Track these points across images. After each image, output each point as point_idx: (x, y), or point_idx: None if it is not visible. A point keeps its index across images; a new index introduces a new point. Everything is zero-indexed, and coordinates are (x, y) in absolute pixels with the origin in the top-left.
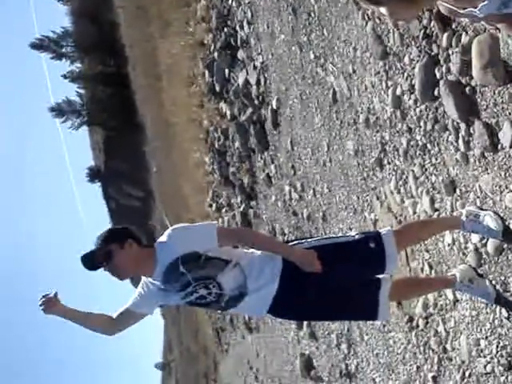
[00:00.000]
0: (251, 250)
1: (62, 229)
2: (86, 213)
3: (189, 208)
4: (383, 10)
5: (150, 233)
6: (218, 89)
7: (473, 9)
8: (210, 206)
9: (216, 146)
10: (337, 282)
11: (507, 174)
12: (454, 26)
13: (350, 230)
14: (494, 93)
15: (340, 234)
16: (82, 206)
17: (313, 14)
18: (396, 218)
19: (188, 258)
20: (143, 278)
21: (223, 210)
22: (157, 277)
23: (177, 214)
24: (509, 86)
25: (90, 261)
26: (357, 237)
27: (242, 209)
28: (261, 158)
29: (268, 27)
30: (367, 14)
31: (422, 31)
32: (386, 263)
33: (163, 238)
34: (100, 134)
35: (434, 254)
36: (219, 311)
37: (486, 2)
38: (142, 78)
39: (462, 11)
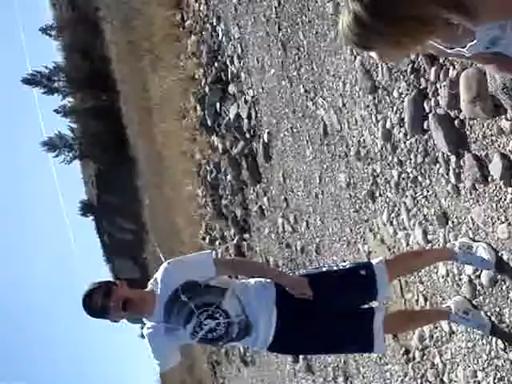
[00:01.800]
0: (245, 280)
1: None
2: (79, 247)
3: (182, 241)
4: (372, 53)
5: (143, 266)
6: (209, 122)
7: (461, 48)
8: (204, 238)
9: (208, 179)
10: (330, 310)
11: (498, 206)
12: (441, 61)
13: (344, 262)
14: (483, 126)
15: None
16: (74, 240)
17: (302, 49)
18: (389, 249)
19: (188, 287)
20: (146, 330)
21: (216, 243)
22: (158, 315)
23: (170, 247)
24: (497, 118)
25: (91, 302)
26: (348, 266)
27: (235, 241)
28: (253, 190)
29: (258, 62)
30: (356, 50)
31: (410, 66)
32: (377, 290)
33: (159, 273)
34: (92, 167)
35: (429, 286)
36: (231, 344)
37: (474, 42)
38: (134, 111)
39: (449, 51)
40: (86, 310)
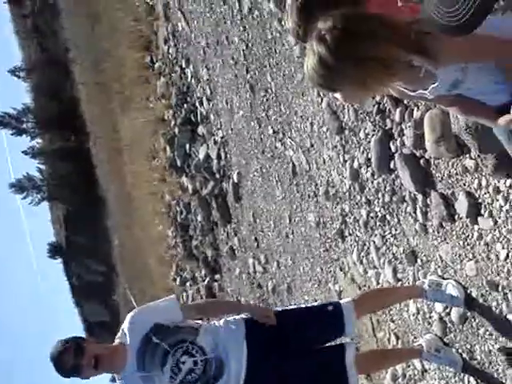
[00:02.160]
0: (214, 320)
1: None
2: (47, 289)
3: (152, 282)
4: (337, 95)
5: (113, 309)
6: (179, 163)
7: (423, 91)
8: (174, 279)
9: (178, 219)
10: (300, 347)
11: (466, 243)
12: (405, 102)
13: (315, 301)
14: (448, 165)
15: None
16: (42, 283)
17: (270, 91)
18: (360, 288)
19: (158, 329)
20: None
21: (187, 284)
22: (131, 366)
23: (140, 289)
24: (461, 158)
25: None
26: (316, 303)
27: (206, 282)
28: (224, 230)
29: (227, 103)
30: (321, 92)
31: (376, 107)
32: (345, 326)
33: (126, 323)
34: (61, 209)
35: (400, 324)
36: None
37: (436, 84)
38: (104, 152)
39: (412, 93)
40: (58, 370)
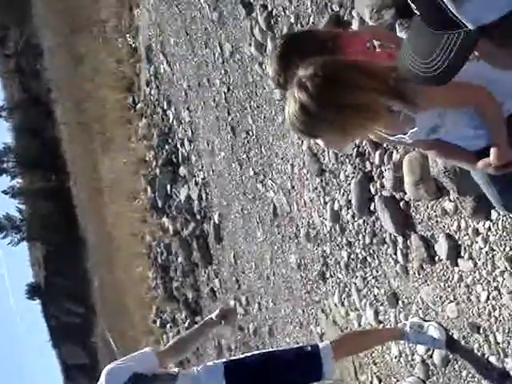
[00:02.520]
0: (193, 367)
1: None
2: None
3: (132, 324)
4: (319, 141)
5: (92, 351)
6: (160, 204)
7: (402, 135)
8: (154, 321)
9: (159, 260)
10: None
11: (446, 285)
12: (385, 145)
13: (297, 344)
14: (428, 207)
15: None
16: (21, 324)
17: (251, 133)
18: (342, 330)
19: (136, 378)
20: None
21: (168, 326)
22: None
23: (120, 331)
24: (441, 200)
25: None
26: (295, 346)
27: (186, 324)
28: (204, 272)
29: (208, 145)
30: (302, 138)
31: (356, 149)
32: (323, 365)
33: (103, 376)
34: (40, 249)
35: (382, 367)
36: None
37: (415, 129)
38: (84, 192)
39: (391, 138)
40: None
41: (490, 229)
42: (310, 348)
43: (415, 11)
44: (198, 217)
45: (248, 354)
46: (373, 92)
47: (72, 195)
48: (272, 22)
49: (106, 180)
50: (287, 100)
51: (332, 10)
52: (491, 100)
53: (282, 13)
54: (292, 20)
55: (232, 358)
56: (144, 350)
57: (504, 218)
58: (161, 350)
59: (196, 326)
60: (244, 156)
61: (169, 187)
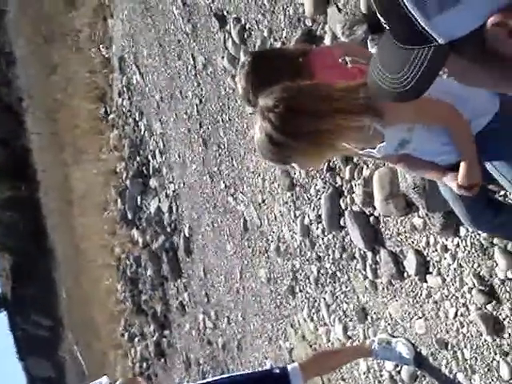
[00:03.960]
0: None
1: None
2: None
3: (100, 337)
4: (293, 164)
5: (59, 364)
6: (130, 216)
7: (371, 149)
8: (122, 335)
9: (128, 273)
10: None
11: (415, 301)
12: (355, 160)
13: (266, 359)
14: (397, 222)
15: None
16: None
17: (222, 146)
18: (311, 346)
19: None
20: None
21: (136, 340)
22: None
23: (87, 344)
24: (410, 216)
25: None
26: (264, 369)
27: (155, 338)
28: (174, 285)
29: (180, 157)
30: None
31: (326, 164)
32: None
33: None
34: (7, 260)
35: (351, 383)
36: None
37: (383, 144)
38: (54, 203)
39: (361, 152)
40: None
41: (458, 245)
42: (278, 370)
43: (384, 25)
44: (168, 229)
45: (215, 378)
46: (334, 114)
47: (41, 206)
48: (245, 35)
49: (77, 191)
50: (254, 125)
51: (305, 25)
52: (460, 118)
53: (256, 26)
54: (265, 34)
55: (198, 382)
56: (101, 378)
57: (472, 235)
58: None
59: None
60: (215, 169)
61: (139, 199)
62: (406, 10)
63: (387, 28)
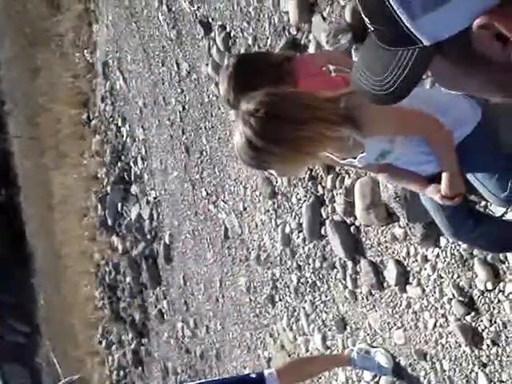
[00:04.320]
0: None
1: None
2: None
3: (77, 344)
4: (272, 171)
5: (35, 372)
6: (110, 222)
7: (352, 159)
8: (100, 342)
9: (107, 280)
10: None
11: (394, 312)
12: (337, 169)
13: (244, 368)
14: (378, 232)
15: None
16: None
17: (205, 153)
18: (289, 355)
19: None
20: None
21: (113, 348)
22: None
23: (64, 351)
24: (391, 226)
25: None
26: (241, 374)
27: (133, 346)
28: (153, 293)
29: (161, 164)
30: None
31: (308, 173)
32: None
33: None
34: None
35: None
36: None
37: (364, 154)
38: (34, 208)
39: (342, 161)
40: None
41: (438, 256)
42: (255, 375)
43: (369, 26)
44: (149, 236)
45: (193, 383)
46: (316, 123)
47: (21, 210)
48: (230, 42)
49: (57, 196)
50: (235, 130)
51: (289, 34)
52: (441, 128)
53: (240, 34)
54: (250, 42)
55: None
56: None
57: (452, 246)
58: None
59: None
60: (197, 176)
61: (120, 205)
62: (391, 9)
63: (371, 29)
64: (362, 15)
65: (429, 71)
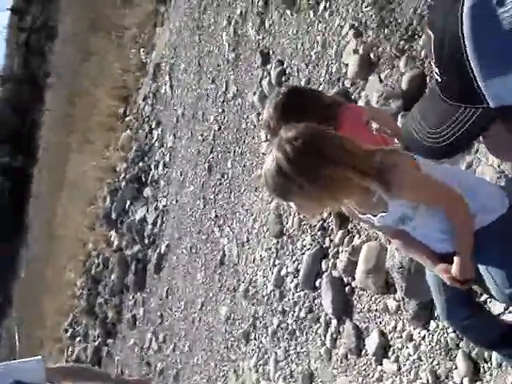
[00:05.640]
0: None
1: None
2: None
3: (44, 326)
4: (291, 204)
5: None
6: (113, 216)
7: (371, 216)
8: (66, 330)
9: (93, 271)
10: None
11: (364, 381)
12: (349, 227)
13: None
14: (371, 299)
15: None
16: None
17: (226, 176)
18: None
19: None
20: None
21: (77, 340)
22: None
23: (29, 329)
24: (385, 296)
25: None
26: None
27: (96, 343)
28: (133, 297)
29: (181, 175)
30: (274, 198)
31: (320, 223)
32: None
33: None
34: None
35: None
36: None
37: (384, 214)
38: (44, 183)
39: (361, 216)
40: None
41: (424, 338)
42: None
43: (436, 76)
44: (146, 241)
45: None
46: (349, 169)
47: (32, 182)
48: (283, 78)
49: (70, 178)
50: (267, 155)
51: (343, 85)
52: (466, 209)
53: (296, 73)
54: (303, 83)
55: None
56: (35, 358)
57: (441, 332)
58: (53, 367)
59: (103, 371)
60: (211, 196)
61: (128, 203)
62: (467, 65)
63: (438, 80)
64: (433, 64)
65: (482, 136)
